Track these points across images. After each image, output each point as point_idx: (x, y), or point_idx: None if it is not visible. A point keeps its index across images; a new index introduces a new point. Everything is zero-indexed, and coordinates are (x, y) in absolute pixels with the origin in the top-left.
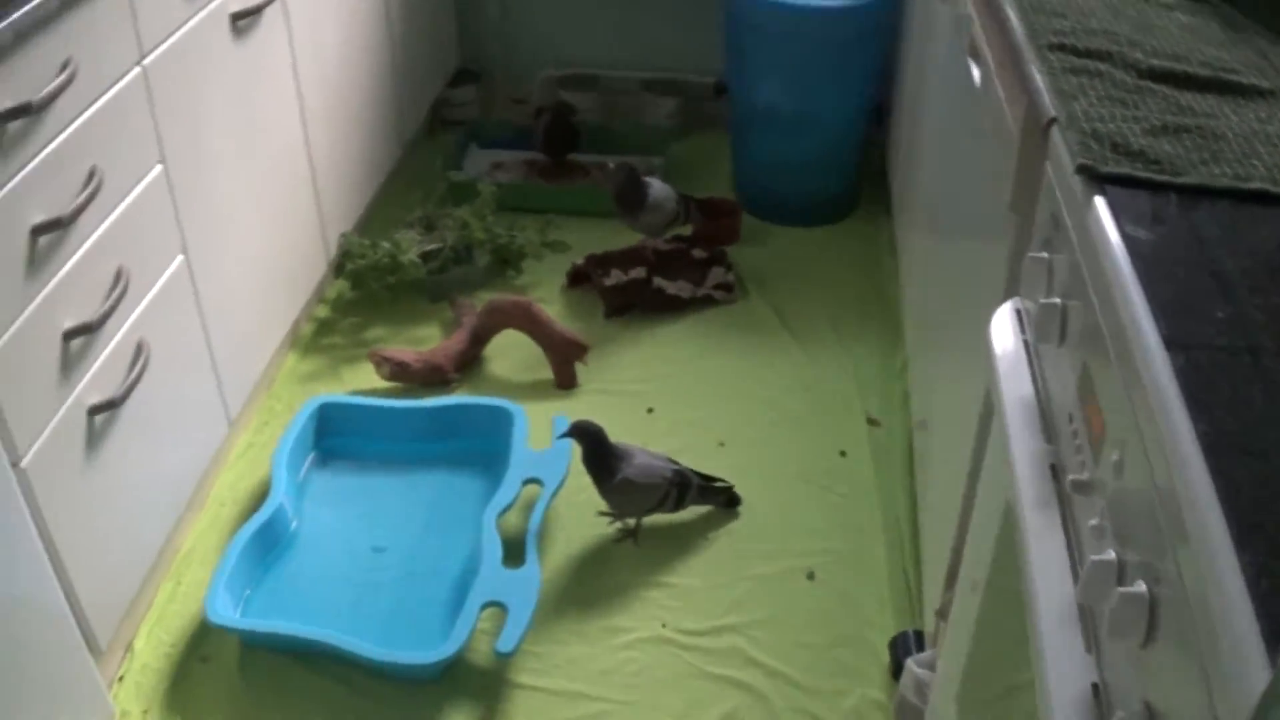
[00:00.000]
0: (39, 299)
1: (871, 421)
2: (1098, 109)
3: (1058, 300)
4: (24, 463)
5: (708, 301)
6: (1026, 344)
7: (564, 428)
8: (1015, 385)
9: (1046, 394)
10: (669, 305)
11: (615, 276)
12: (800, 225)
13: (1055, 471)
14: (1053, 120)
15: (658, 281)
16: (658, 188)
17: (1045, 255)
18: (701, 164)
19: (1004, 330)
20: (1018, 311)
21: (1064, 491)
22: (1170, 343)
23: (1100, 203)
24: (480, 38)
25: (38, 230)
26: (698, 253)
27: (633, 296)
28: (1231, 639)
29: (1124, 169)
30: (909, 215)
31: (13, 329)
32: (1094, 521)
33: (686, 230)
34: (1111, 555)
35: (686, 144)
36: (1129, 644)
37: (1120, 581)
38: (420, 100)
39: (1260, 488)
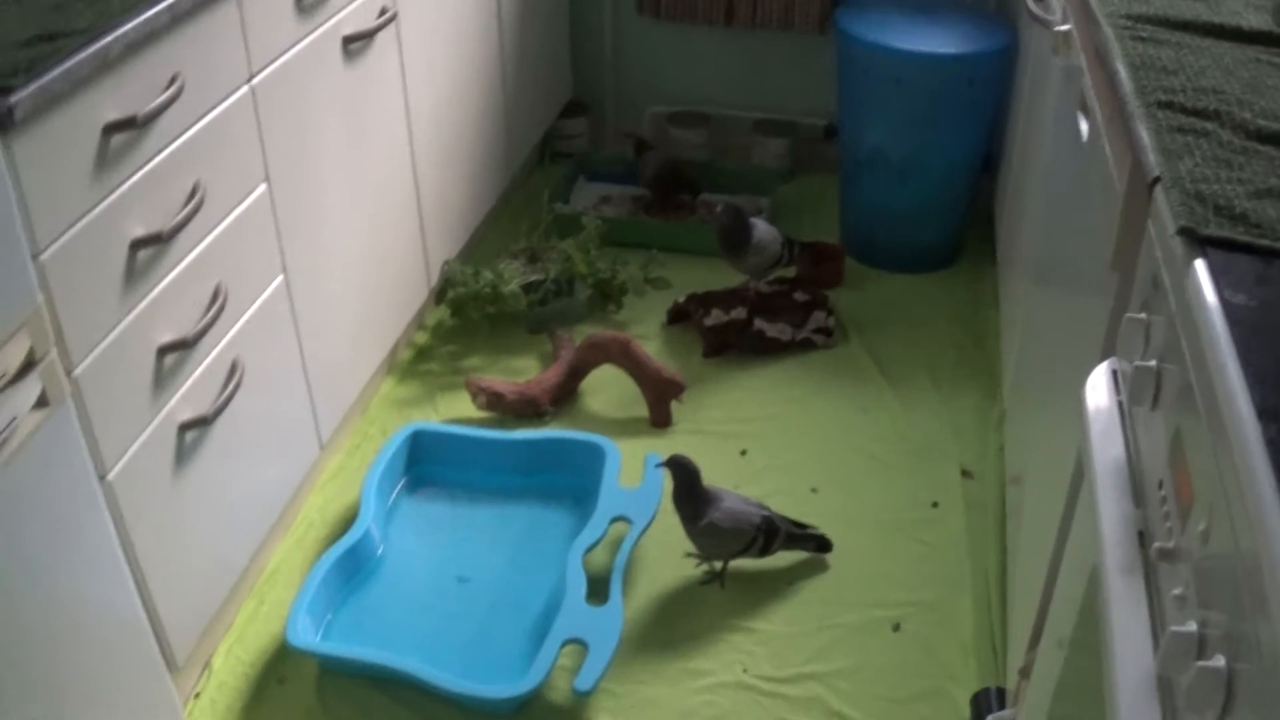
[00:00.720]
0: (135, 313)
1: (965, 474)
2: (1203, 169)
3: (1153, 363)
4: (110, 475)
5: (807, 345)
6: (1121, 406)
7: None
8: (1107, 447)
9: (1138, 457)
10: (768, 347)
11: (715, 316)
12: (904, 272)
13: (1143, 538)
14: (1156, 179)
15: (758, 323)
16: (763, 229)
17: (1143, 316)
18: (808, 206)
19: (1099, 391)
20: (1114, 372)
21: (1149, 558)
22: (1263, 413)
23: (1200, 265)
24: (593, 70)
25: (137, 244)
26: (799, 296)
27: (732, 337)
28: None
29: (1225, 232)
30: (1013, 267)
31: (106, 341)
32: (1178, 591)
33: (789, 272)
34: (1193, 627)
35: (794, 185)
36: (1205, 719)
37: (1200, 654)
38: (531, 130)
39: None
